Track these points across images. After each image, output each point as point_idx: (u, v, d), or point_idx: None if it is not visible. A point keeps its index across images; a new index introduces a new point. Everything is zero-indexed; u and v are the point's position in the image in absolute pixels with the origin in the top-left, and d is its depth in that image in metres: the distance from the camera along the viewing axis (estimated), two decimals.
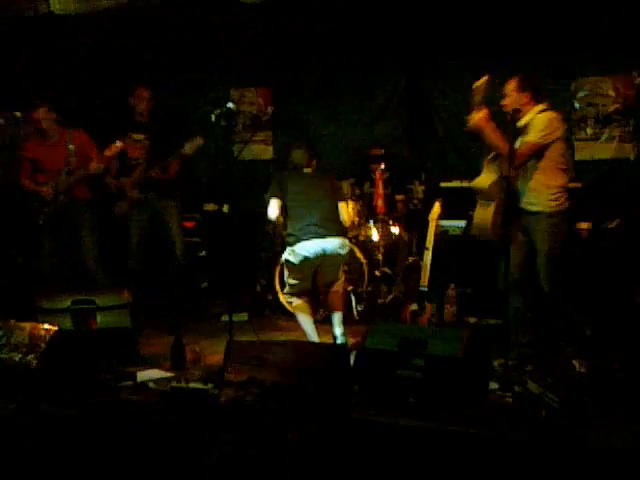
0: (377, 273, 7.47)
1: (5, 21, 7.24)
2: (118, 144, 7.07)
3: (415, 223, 7.68)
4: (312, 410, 4.68)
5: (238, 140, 8.75)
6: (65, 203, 7.20)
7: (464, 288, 6.78)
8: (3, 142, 7.66)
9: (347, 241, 6.51)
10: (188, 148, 7.20)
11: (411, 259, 7.50)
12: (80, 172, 7.16)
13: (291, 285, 6.53)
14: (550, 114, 5.75)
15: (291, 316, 7.40)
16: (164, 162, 7.35)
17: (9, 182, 7.54)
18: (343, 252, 6.39)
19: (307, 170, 6.56)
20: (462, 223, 6.95)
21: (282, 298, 7.39)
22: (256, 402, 4.77)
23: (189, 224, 8.15)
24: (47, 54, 7.84)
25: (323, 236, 6.30)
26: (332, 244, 6.32)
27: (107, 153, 7.10)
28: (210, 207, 8.36)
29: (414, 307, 6.44)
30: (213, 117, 6.30)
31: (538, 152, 5.67)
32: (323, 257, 6.33)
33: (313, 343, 6.05)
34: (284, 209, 6.49)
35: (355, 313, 7.39)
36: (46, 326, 5.71)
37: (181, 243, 7.71)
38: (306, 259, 6.31)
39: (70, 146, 7.24)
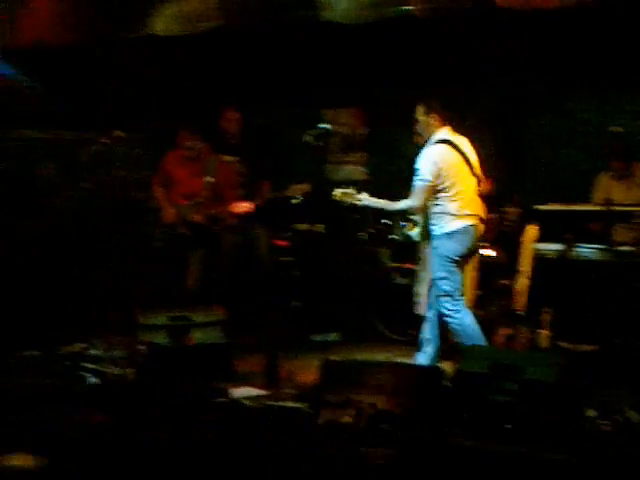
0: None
1: (108, 43, 7.44)
2: (248, 205, 7.18)
3: (507, 245, 7.59)
4: (408, 433, 4.66)
5: (331, 161, 8.80)
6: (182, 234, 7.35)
7: (560, 313, 6.67)
8: (105, 160, 7.85)
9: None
10: (292, 191, 7.29)
11: (503, 282, 7.42)
12: (208, 213, 7.29)
13: None
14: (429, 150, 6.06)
15: (382, 338, 7.42)
16: (269, 195, 7.51)
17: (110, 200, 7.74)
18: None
19: None
20: (559, 246, 6.85)
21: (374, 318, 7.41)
22: (353, 423, 4.77)
23: (282, 243, 8.22)
24: (148, 75, 8.02)
25: None
26: None
27: (235, 210, 7.20)
28: (302, 227, 8.41)
29: (508, 331, 6.38)
30: (308, 138, 6.36)
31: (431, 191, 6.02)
32: None
33: (410, 365, 6.03)
34: None
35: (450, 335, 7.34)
36: (144, 341, 5.84)
37: (269, 262, 7.80)
38: None
39: (208, 178, 7.30)
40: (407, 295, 7.25)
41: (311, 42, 7.69)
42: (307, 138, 6.39)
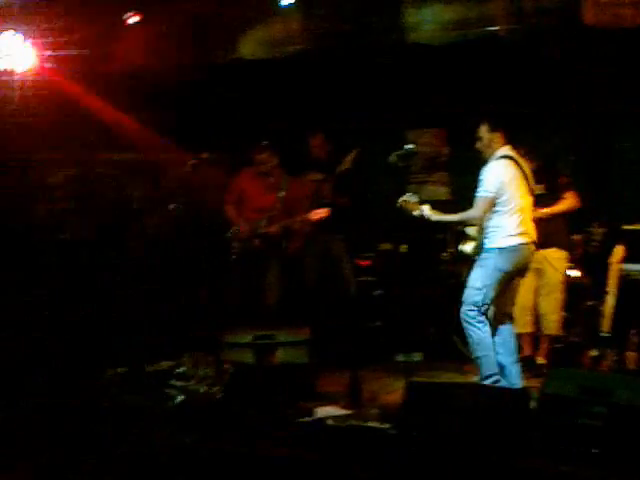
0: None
1: (197, 68, 7.62)
2: (324, 211, 7.28)
3: (593, 266, 7.50)
4: (494, 457, 4.64)
5: (413, 181, 8.80)
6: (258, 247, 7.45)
7: None
8: (193, 181, 7.99)
9: None
10: (344, 164, 7.36)
11: (589, 303, 7.32)
12: (282, 224, 7.39)
13: None
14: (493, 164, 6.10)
15: (465, 358, 7.37)
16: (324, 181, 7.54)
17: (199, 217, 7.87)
18: None
19: None
20: None
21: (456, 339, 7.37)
22: (433, 445, 4.77)
23: (365, 263, 8.26)
24: (235, 98, 8.17)
25: None
26: None
27: (313, 217, 7.30)
28: (385, 247, 8.43)
29: (594, 353, 6.30)
30: (393, 158, 6.40)
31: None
32: None
33: (493, 387, 5.98)
34: None
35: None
36: (230, 360, 5.92)
37: (351, 280, 7.83)
38: None
39: (281, 193, 7.46)
40: None
41: (395, 63, 7.73)
42: (392, 159, 6.43)
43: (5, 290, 7.30)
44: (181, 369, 6.01)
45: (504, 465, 4.60)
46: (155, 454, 5.10)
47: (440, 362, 7.45)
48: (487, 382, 6.01)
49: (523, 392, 5.50)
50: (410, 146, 6.50)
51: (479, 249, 6.24)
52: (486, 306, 6.11)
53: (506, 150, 6.23)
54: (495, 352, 6.21)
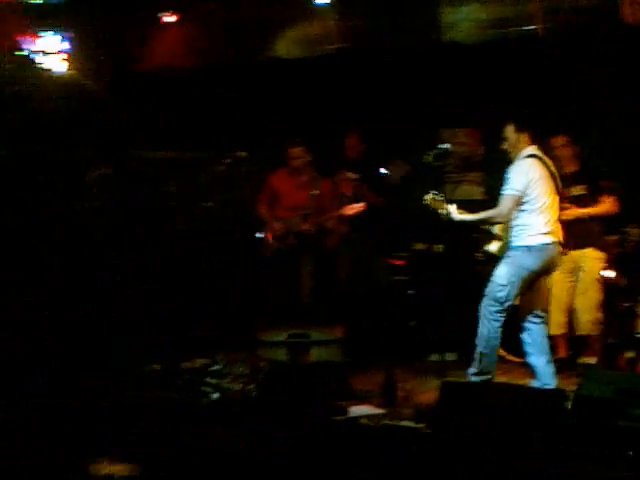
0: None
1: (233, 66, 7.66)
2: (361, 206, 7.30)
3: (629, 267, 7.44)
4: (527, 457, 4.62)
5: (448, 180, 8.79)
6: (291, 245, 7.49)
7: None
8: (227, 180, 8.03)
9: None
10: (392, 167, 7.36)
11: (625, 304, 7.26)
12: (315, 221, 7.45)
13: None
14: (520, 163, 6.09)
15: (500, 358, 7.34)
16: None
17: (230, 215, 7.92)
18: None
19: None
20: None
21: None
22: (467, 445, 4.75)
23: (399, 262, 8.25)
24: (271, 97, 8.20)
25: None
26: None
27: (348, 212, 7.34)
28: (419, 246, 8.42)
29: (630, 354, 6.25)
30: (428, 158, 6.40)
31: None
32: None
33: (527, 387, 5.96)
34: None
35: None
36: (264, 358, 5.95)
37: (384, 279, 7.84)
38: None
39: (314, 191, 7.51)
40: None
41: (430, 62, 7.72)
42: (427, 158, 6.44)
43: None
44: (216, 367, 6.04)
45: (538, 466, 4.58)
46: (188, 451, 5.12)
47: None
48: (475, 378, 6.04)
49: (558, 393, 5.49)
50: (444, 145, 6.49)
51: (505, 248, 6.23)
52: (508, 303, 6.09)
53: (532, 149, 6.22)
54: (525, 353, 6.21)
